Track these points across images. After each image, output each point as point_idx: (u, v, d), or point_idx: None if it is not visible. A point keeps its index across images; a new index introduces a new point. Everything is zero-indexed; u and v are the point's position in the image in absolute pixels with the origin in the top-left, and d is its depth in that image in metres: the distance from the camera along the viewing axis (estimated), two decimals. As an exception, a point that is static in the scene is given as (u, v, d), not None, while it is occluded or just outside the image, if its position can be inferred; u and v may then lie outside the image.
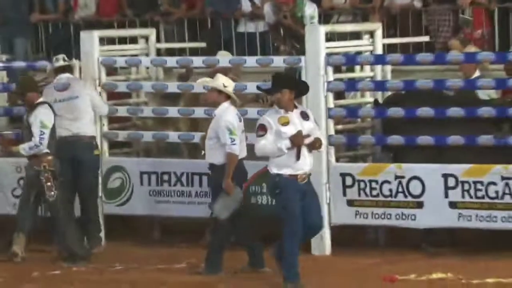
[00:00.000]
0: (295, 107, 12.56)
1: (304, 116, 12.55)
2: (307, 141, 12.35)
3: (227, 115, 13.25)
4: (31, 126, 14.31)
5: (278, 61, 15.23)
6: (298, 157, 12.30)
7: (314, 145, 12.51)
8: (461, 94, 14.39)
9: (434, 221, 13.93)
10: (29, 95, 14.55)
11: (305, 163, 12.44)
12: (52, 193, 14.31)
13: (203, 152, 13.57)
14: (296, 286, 12.48)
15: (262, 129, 12.44)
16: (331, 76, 14.45)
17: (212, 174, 13.56)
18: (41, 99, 14.55)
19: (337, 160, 14.51)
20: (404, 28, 17.02)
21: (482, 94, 14.49)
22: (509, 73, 14.66)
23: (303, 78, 14.33)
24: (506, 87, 14.26)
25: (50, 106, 14.53)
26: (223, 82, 13.40)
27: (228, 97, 13.35)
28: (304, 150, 12.35)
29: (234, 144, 13.12)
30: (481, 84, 14.25)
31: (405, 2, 17.12)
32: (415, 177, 13.95)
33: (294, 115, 12.45)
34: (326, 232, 14.00)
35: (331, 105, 14.35)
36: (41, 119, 14.32)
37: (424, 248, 14.12)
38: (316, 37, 14.57)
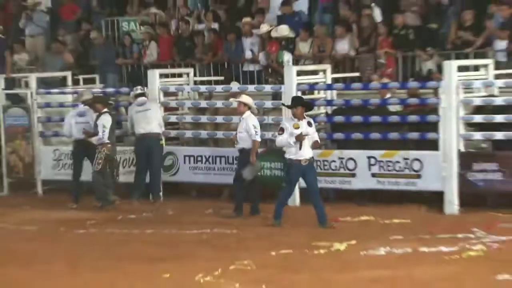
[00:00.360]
0: (304, 117, 12.53)
1: (309, 124, 12.53)
2: (306, 138, 12.29)
3: (252, 118, 13.37)
4: (98, 126, 14.34)
5: (268, 88, 15.20)
6: (300, 147, 12.27)
7: (316, 146, 12.62)
8: (379, 108, 14.21)
9: (362, 185, 13.83)
10: (97, 105, 14.58)
11: (306, 152, 12.37)
12: (99, 166, 14.29)
13: (236, 142, 13.46)
14: (279, 222, 12.55)
15: (281, 130, 12.52)
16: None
17: (241, 154, 13.42)
18: (105, 109, 14.52)
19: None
20: (344, 67, 16.79)
21: (392, 108, 14.30)
22: (409, 95, 14.38)
23: (283, 100, 14.21)
24: (406, 104, 14.07)
25: (110, 114, 14.52)
26: (247, 99, 13.48)
27: (249, 108, 13.40)
28: (305, 144, 12.29)
29: (257, 134, 13.22)
30: (391, 102, 14.15)
31: (344, 52, 16.85)
32: (350, 158, 13.83)
33: (303, 123, 12.42)
34: (297, 191, 13.85)
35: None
36: (103, 122, 14.34)
37: (356, 201, 13.97)
38: (291, 73, 14.44)
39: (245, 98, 13.53)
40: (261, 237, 11.94)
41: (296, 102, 12.69)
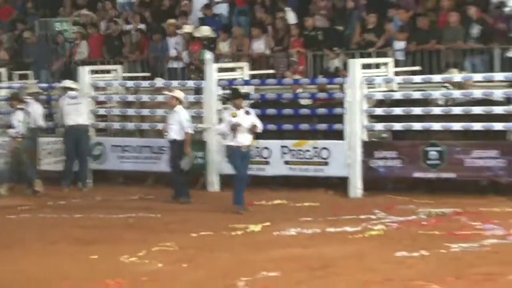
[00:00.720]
0: (242, 107, 12.41)
1: (247, 113, 12.39)
2: (239, 128, 12.12)
3: (184, 111, 13.19)
4: (13, 120, 14.12)
5: (190, 84, 15.00)
6: (234, 135, 12.15)
7: (253, 129, 12.32)
8: (291, 102, 14.18)
9: (276, 171, 13.77)
10: (13, 102, 14.35)
11: (245, 139, 12.22)
12: (7, 158, 14.17)
13: (165, 133, 13.26)
14: (242, 207, 12.22)
15: (221, 120, 12.54)
16: (220, 92, 14.18)
17: (174, 145, 13.14)
18: (19, 106, 14.24)
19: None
20: (260, 65, 16.62)
21: (303, 102, 14.24)
22: (318, 90, 14.28)
23: (204, 94, 14.20)
24: (315, 98, 14.08)
25: (23, 110, 14.23)
26: (179, 93, 13.30)
27: (180, 102, 13.20)
28: (242, 132, 12.14)
29: (189, 127, 13.05)
30: (302, 96, 14.15)
31: (260, 51, 16.78)
32: (266, 147, 13.72)
33: (241, 112, 12.29)
34: (216, 177, 13.86)
35: (220, 107, 14.05)
36: (18, 117, 14.12)
37: (270, 187, 13.84)
38: (211, 70, 14.35)
39: (177, 93, 13.36)
40: (183, 220, 11.76)
41: (235, 94, 12.67)
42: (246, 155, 12.39)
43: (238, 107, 12.39)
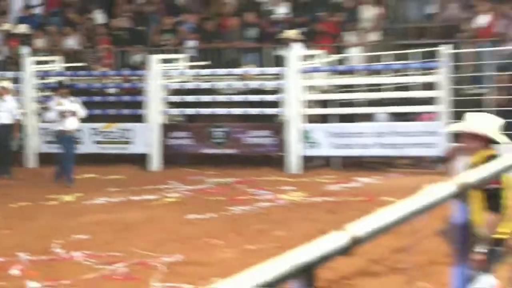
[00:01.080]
0: (67, 97, 12.11)
1: (71, 101, 12.09)
2: (65, 114, 11.85)
3: (13, 100, 12.81)
4: None
5: (9, 74, 14.15)
6: (62, 121, 11.89)
7: (76, 115, 12.02)
8: (100, 90, 14.05)
9: (87, 150, 13.44)
10: None
11: (69, 124, 11.95)
12: None
13: None
14: (72, 182, 11.84)
15: (48, 108, 12.36)
16: (36, 81, 13.69)
17: (2, 129, 12.58)
18: None
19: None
20: (73, 59, 15.67)
21: (111, 90, 14.02)
22: (123, 81, 14.33)
23: (22, 84, 13.67)
24: (121, 87, 14.01)
25: None
26: (7, 84, 12.90)
27: (8, 91, 12.80)
28: (68, 118, 11.87)
29: (18, 114, 12.80)
30: (110, 86, 14.06)
31: (72, 47, 16.25)
32: (78, 130, 12.83)
33: (66, 101, 12.00)
34: (34, 156, 13.36)
35: (35, 95, 13.61)
36: None
37: (83, 163, 13.10)
38: (28, 63, 13.98)
39: (5, 83, 12.96)
40: (4, 194, 11.23)
41: (60, 85, 12.52)
42: (72, 137, 12.19)
43: (63, 96, 12.18)
